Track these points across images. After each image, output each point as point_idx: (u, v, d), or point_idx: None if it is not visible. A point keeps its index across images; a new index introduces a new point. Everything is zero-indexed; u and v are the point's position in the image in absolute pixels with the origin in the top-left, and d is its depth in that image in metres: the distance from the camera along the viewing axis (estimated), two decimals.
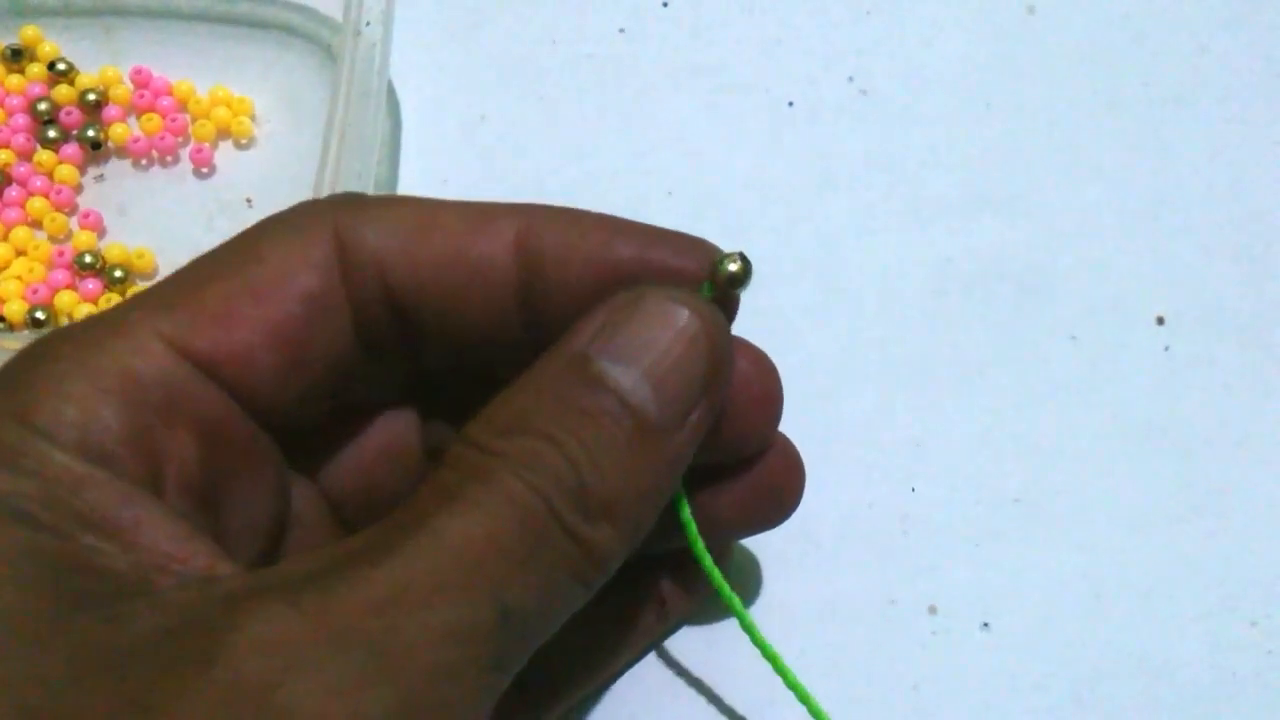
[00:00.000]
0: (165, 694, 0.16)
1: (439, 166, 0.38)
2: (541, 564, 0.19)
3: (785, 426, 0.26)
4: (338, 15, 0.35)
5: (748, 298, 0.24)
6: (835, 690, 0.30)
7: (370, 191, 0.32)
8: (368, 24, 0.34)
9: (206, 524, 0.21)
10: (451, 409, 0.25)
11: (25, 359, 0.20)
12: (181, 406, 0.20)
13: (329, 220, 0.22)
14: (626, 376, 0.20)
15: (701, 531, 0.25)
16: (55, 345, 0.20)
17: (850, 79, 0.39)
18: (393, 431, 0.25)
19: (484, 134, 0.39)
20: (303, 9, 0.38)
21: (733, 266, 0.23)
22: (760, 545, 0.32)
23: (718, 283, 0.23)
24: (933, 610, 0.31)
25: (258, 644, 0.17)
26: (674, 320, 0.21)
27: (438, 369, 0.24)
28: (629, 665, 0.30)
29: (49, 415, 0.19)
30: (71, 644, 0.17)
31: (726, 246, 0.26)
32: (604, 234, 0.23)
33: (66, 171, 0.37)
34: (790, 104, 0.39)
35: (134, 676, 0.17)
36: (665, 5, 0.41)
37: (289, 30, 0.39)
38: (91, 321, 0.21)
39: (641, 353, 0.21)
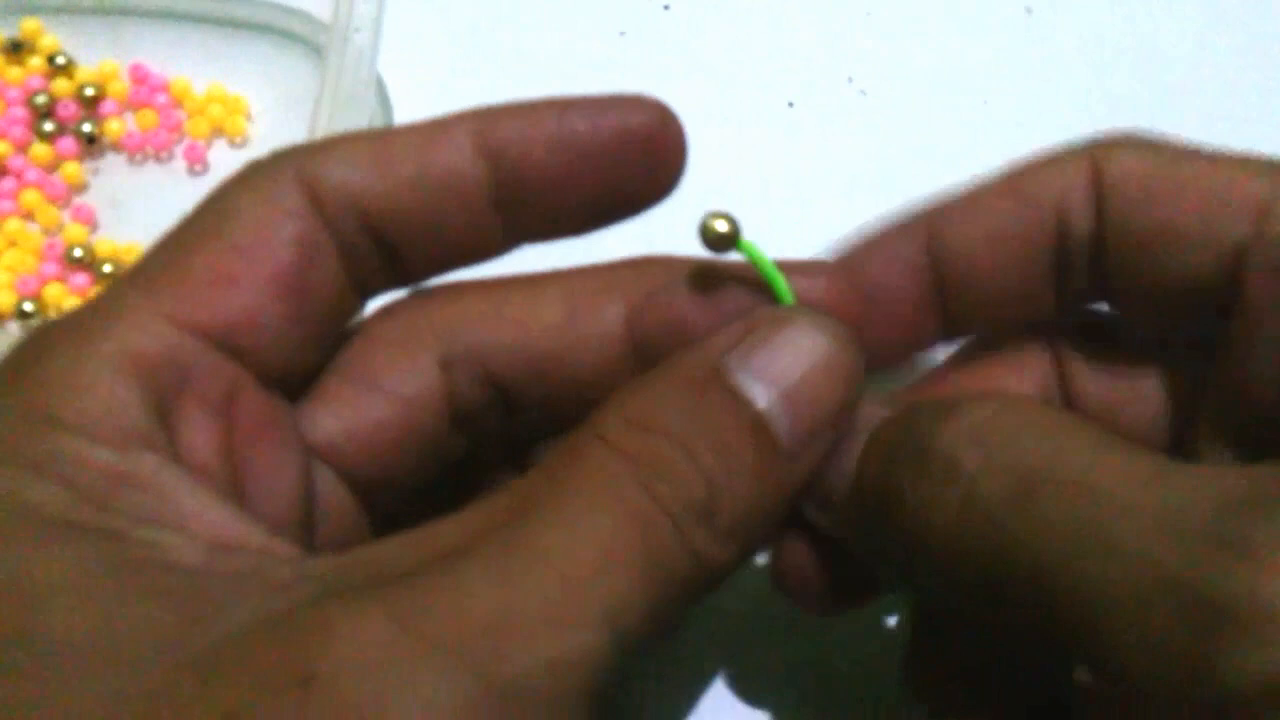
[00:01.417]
0: (263, 715, 0.15)
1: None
2: (660, 583, 0.18)
3: None
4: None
5: None
6: None
7: None
8: (357, 30, 0.34)
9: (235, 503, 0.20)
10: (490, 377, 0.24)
11: (26, 356, 0.19)
12: (195, 383, 0.20)
13: (289, 167, 0.22)
14: (764, 396, 0.20)
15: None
16: (56, 338, 0.19)
17: (850, 80, 0.39)
18: (410, 401, 0.24)
19: None
20: (300, 13, 0.38)
21: (721, 226, 0.22)
22: None
23: (706, 243, 0.22)
24: None
25: (355, 661, 0.16)
26: (818, 349, 0.21)
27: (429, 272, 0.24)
28: None
29: (74, 410, 0.18)
30: (159, 650, 0.16)
31: None
32: (554, 112, 0.23)
33: (72, 170, 0.37)
34: (790, 105, 0.39)
35: (229, 687, 0.16)
36: (666, 8, 0.41)
37: (285, 32, 0.39)
38: (86, 310, 0.20)
39: (783, 375, 0.20)
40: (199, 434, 0.20)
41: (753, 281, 0.23)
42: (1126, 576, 0.17)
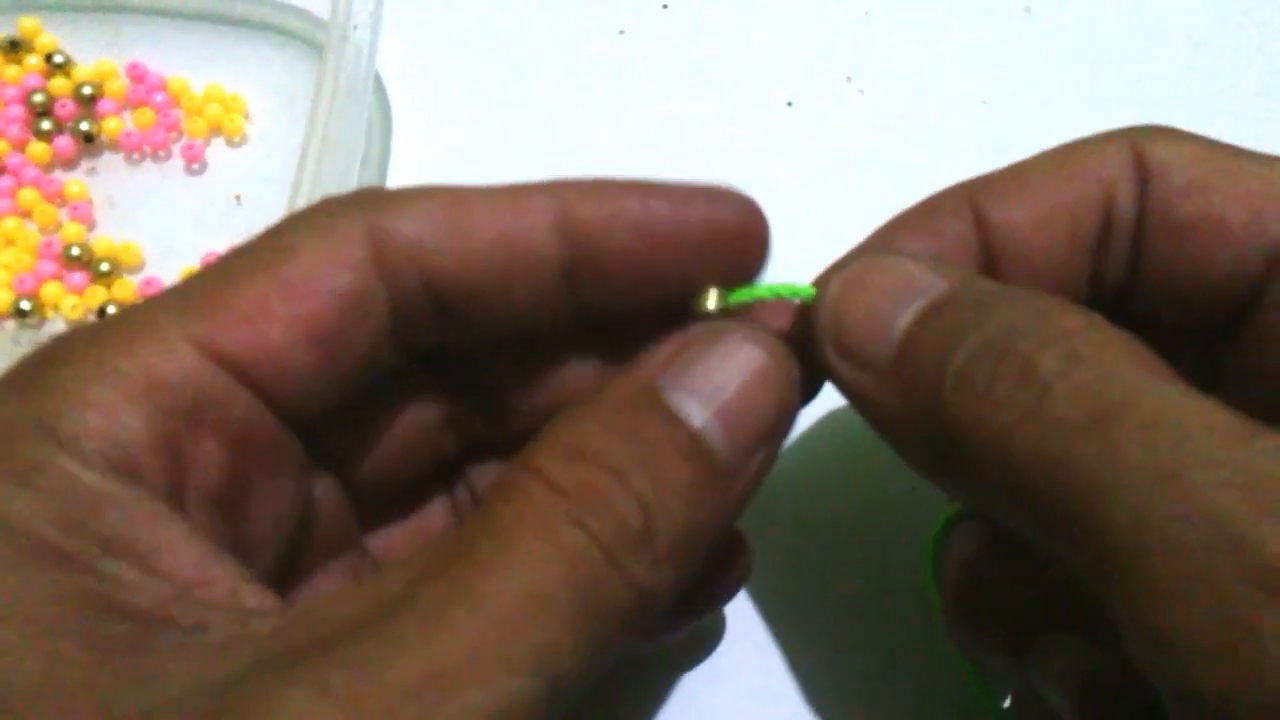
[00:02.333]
0: None
1: (434, 169, 0.38)
2: (595, 619, 0.18)
3: None
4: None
5: None
6: None
7: None
8: (355, 28, 0.34)
9: (228, 532, 0.20)
10: (474, 381, 0.25)
11: (43, 361, 0.19)
12: (209, 412, 0.19)
13: (361, 215, 0.21)
14: (700, 414, 0.20)
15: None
16: (76, 347, 0.19)
17: (849, 79, 0.39)
18: (414, 411, 0.24)
19: (483, 136, 0.38)
20: (298, 10, 0.38)
21: (710, 305, 0.23)
22: None
23: (693, 313, 0.22)
24: None
25: None
26: (751, 362, 0.21)
27: (467, 349, 0.24)
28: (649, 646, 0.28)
29: (73, 424, 0.18)
30: (97, 710, 0.16)
31: None
32: (639, 198, 0.22)
33: (78, 189, 0.37)
34: (789, 104, 0.39)
35: None
36: (665, 7, 0.40)
37: (284, 31, 0.39)
38: (114, 321, 0.20)
39: (717, 391, 0.20)
40: (205, 459, 0.20)
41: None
42: (1197, 526, 0.17)
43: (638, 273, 0.22)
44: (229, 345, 0.20)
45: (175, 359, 0.19)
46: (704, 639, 0.30)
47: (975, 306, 0.21)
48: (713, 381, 0.20)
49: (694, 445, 0.20)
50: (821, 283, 0.23)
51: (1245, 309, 0.23)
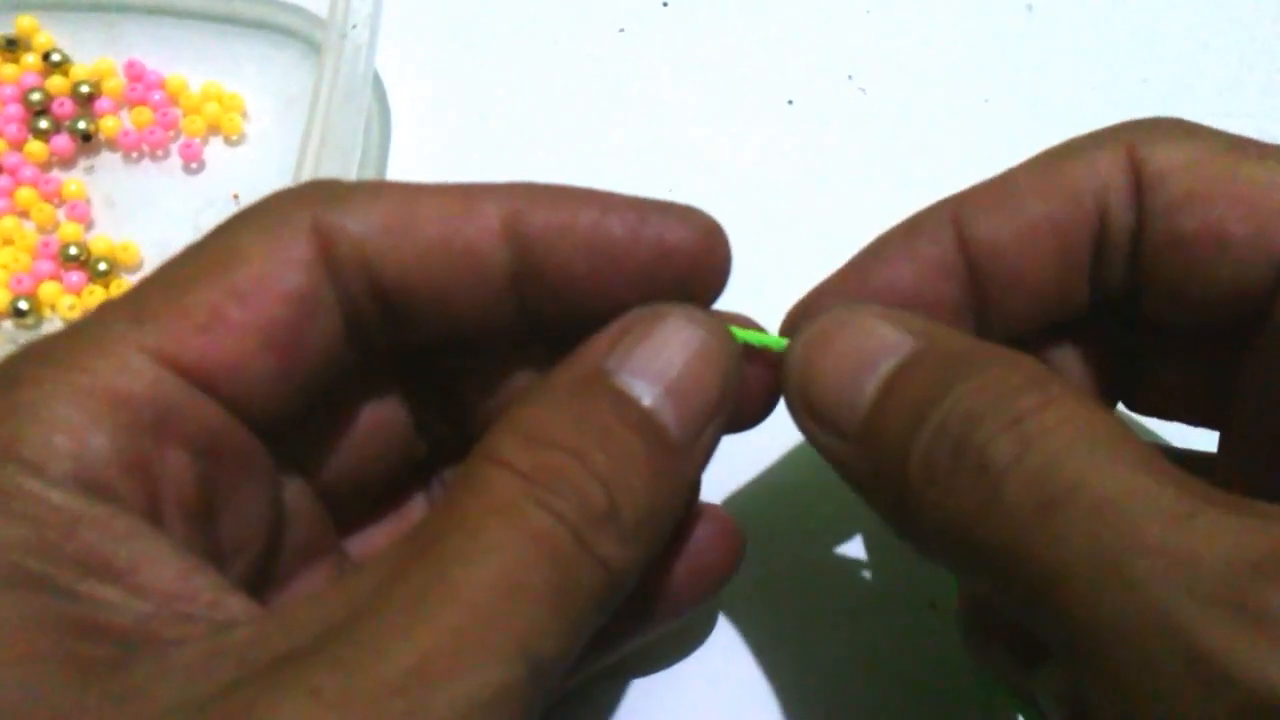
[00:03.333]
0: None
1: (433, 169, 0.38)
2: (569, 600, 0.18)
3: None
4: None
5: (745, 298, 0.24)
6: None
7: None
8: (354, 26, 0.33)
9: (203, 543, 0.20)
10: (441, 381, 0.25)
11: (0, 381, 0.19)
12: (174, 423, 0.19)
13: (307, 214, 0.21)
14: (649, 393, 0.20)
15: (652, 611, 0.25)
16: (32, 368, 0.19)
17: (850, 77, 0.39)
18: (379, 412, 0.24)
19: (483, 134, 0.38)
20: (297, 9, 0.38)
21: None
22: None
23: None
24: None
25: None
26: (694, 341, 0.21)
27: (428, 350, 0.24)
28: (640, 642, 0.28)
29: (38, 446, 0.18)
30: None
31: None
32: (594, 211, 0.22)
33: (75, 188, 0.36)
34: (790, 102, 0.38)
35: None
36: (665, 5, 0.40)
37: (283, 30, 0.39)
38: (68, 338, 0.20)
39: (663, 370, 0.20)
40: (175, 471, 0.19)
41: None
42: (1141, 619, 0.17)
43: (587, 287, 0.22)
44: (187, 355, 0.20)
45: (134, 373, 0.19)
46: (703, 639, 0.30)
47: (938, 376, 0.20)
48: (659, 361, 0.20)
49: (646, 423, 0.20)
50: (790, 327, 0.23)
51: (1254, 320, 0.22)
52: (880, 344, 0.21)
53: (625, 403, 0.20)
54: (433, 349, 0.24)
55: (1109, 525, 0.17)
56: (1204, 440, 0.26)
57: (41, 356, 0.19)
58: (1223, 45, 0.39)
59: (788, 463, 0.32)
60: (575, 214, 0.22)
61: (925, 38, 0.39)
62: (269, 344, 0.20)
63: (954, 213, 0.23)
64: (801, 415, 0.22)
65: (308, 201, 0.21)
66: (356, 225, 0.21)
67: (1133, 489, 0.18)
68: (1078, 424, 0.19)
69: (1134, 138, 0.22)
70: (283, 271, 0.20)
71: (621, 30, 0.40)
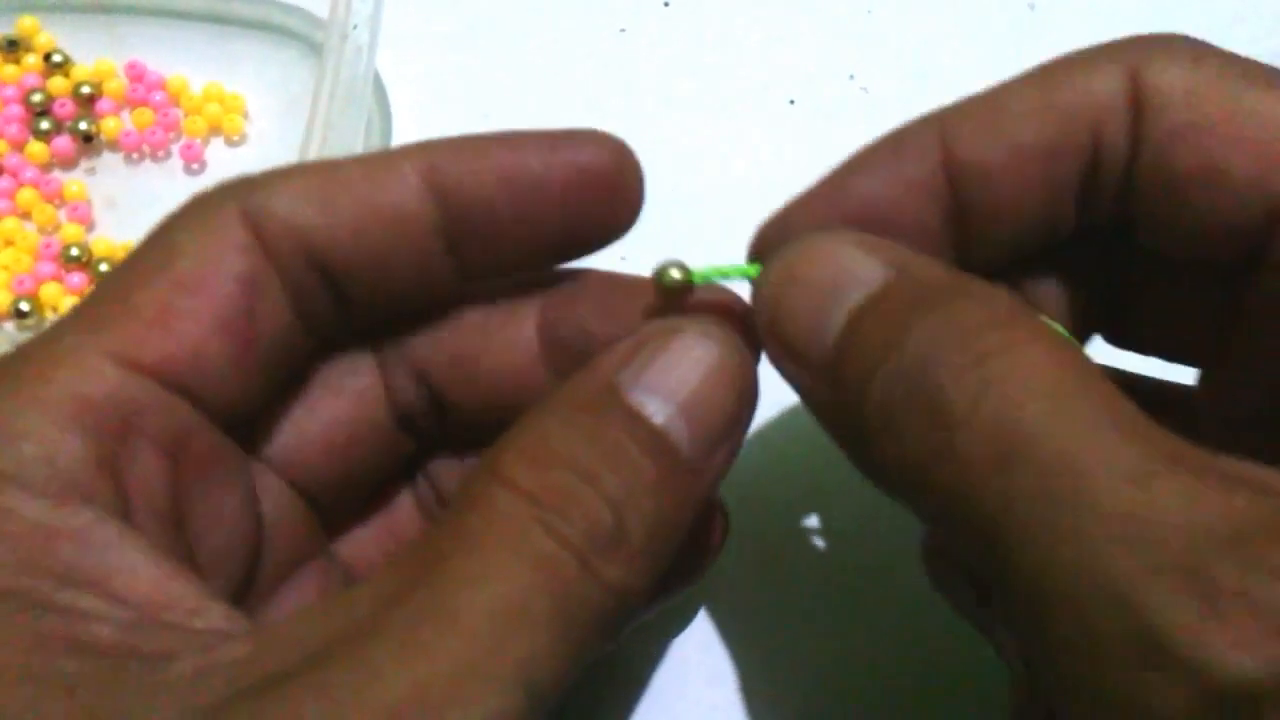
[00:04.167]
0: None
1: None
2: (572, 625, 0.18)
3: None
4: None
5: (746, 297, 0.23)
6: None
7: None
8: (355, 27, 0.33)
9: (180, 548, 0.20)
10: (409, 375, 0.24)
11: None
12: (141, 425, 0.19)
13: (233, 203, 0.21)
14: (661, 411, 0.20)
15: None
16: None
17: (851, 77, 0.39)
18: (357, 410, 0.24)
19: None
20: (298, 10, 0.38)
21: (676, 274, 0.22)
22: None
23: (659, 290, 0.22)
24: None
25: None
26: (708, 357, 0.20)
27: (381, 325, 0.24)
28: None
29: (8, 459, 0.18)
30: None
31: (729, 245, 0.25)
32: (504, 149, 0.22)
33: (76, 189, 0.36)
34: (791, 102, 0.38)
35: None
36: (666, 5, 0.40)
37: (284, 30, 0.39)
38: (26, 352, 0.20)
39: (676, 388, 0.20)
40: (145, 475, 0.19)
41: (651, 291, 0.23)
42: (1088, 583, 0.16)
43: (511, 226, 0.22)
44: (145, 353, 0.20)
45: (96, 376, 0.19)
46: (685, 625, 0.30)
47: (903, 312, 0.20)
48: (672, 378, 0.20)
49: (658, 443, 0.19)
50: (761, 246, 0.23)
51: (1248, 258, 0.21)
52: (851, 275, 0.21)
53: (636, 421, 0.19)
54: (388, 328, 0.24)
55: (1064, 483, 0.17)
56: (1181, 376, 0.25)
57: (3, 372, 0.19)
58: (1225, 42, 0.39)
59: (768, 442, 0.32)
60: (488, 156, 0.22)
61: (927, 37, 0.39)
62: (221, 329, 0.20)
63: (940, 131, 0.22)
64: (772, 346, 0.22)
65: (231, 192, 0.22)
66: (282, 204, 0.21)
67: (1092, 445, 0.17)
68: (1043, 369, 0.18)
69: (1136, 58, 0.21)
70: (221, 258, 0.21)
71: (622, 30, 0.40)
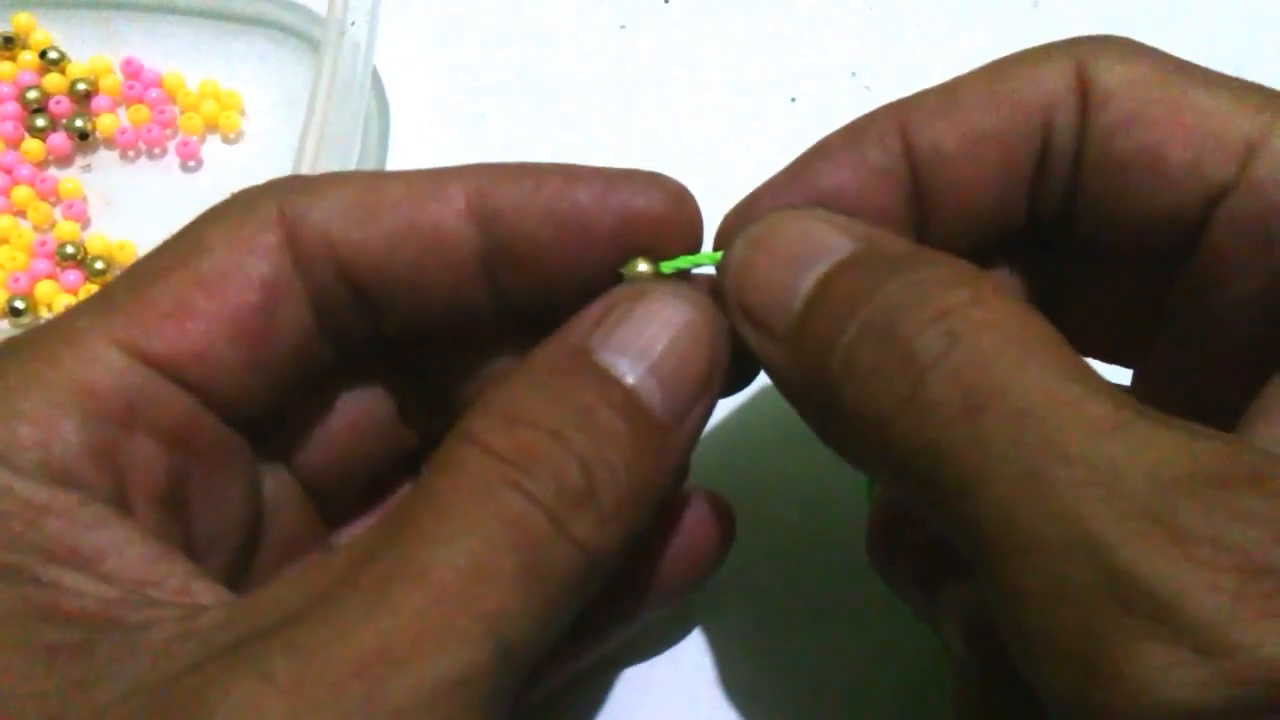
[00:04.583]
0: None
1: (432, 165, 0.37)
2: (542, 582, 0.18)
3: None
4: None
5: None
6: None
7: None
8: (353, 23, 0.33)
9: (177, 533, 0.20)
10: (424, 370, 0.24)
11: None
12: (143, 413, 0.19)
13: (272, 204, 0.21)
14: (632, 371, 0.20)
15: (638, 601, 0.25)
16: (3, 361, 0.19)
17: (853, 74, 0.38)
18: (361, 401, 0.24)
19: (483, 132, 0.38)
20: (295, 6, 0.38)
21: (644, 266, 0.22)
22: None
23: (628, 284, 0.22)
24: None
25: None
26: (679, 317, 0.20)
27: (405, 336, 0.23)
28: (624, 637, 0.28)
29: (3, 438, 0.18)
30: (50, 713, 0.16)
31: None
32: (559, 183, 0.22)
33: (72, 186, 0.36)
34: (793, 100, 0.38)
35: None
36: (666, 1, 0.40)
37: (281, 27, 0.38)
38: (38, 334, 0.20)
39: (647, 348, 0.20)
40: (144, 461, 0.19)
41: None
42: (1056, 527, 0.16)
43: (557, 260, 0.22)
44: (154, 345, 0.20)
45: (102, 363, 0.19)
46: (687, 632, 0.30)
47: (872, 275, 0.20)
48: (642, 339, 0.20)
49: (629, 402, 0.20)
50: (724, 235, 0.22)
51: (1182, 251, 0.22)
52: (818, 246, 0.21)
53: (607, 381, 0.20)
54: (411, 338, 0.23)
55: (1033, 430, 0.17)
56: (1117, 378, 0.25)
57: (12, 351, 0.19)
58: (1227, 41, 0.38)
59: (768, 443, 0.31)
60: (541, 188, 0.21)
61: (929, 34, 0.39)
62: (237, 333, 0.20)
63: (900, 119, 0.22)
64: (736, 315, 0.22)
65: (273, 192, 0.21)
66: (320, 212, 0.21)
67: (1061, 395, 0.17)
68: (1010, 323, 0.18)
69: (1084, 53, 0.22)
70: (247, 260, 0.21)
71: (622, 27, 0.40)
